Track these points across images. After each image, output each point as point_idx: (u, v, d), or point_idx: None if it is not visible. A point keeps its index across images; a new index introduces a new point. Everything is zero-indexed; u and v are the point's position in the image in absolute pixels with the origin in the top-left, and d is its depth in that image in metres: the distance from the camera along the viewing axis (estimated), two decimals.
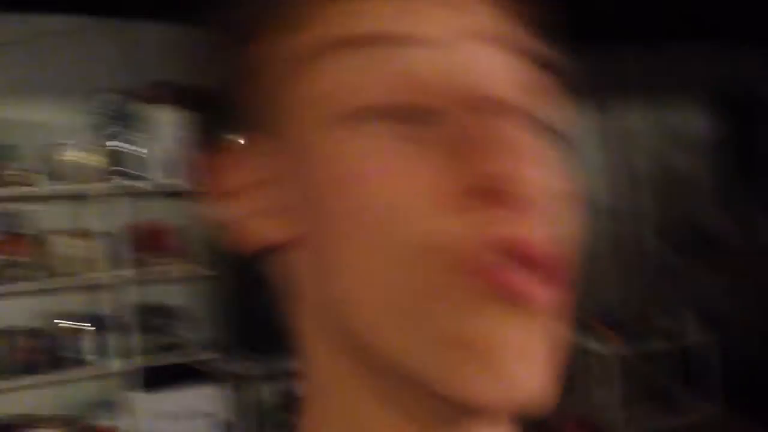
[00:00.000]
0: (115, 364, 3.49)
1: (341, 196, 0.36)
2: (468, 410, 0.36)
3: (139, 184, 3.65)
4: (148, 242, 3.73)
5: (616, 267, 5.40)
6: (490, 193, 0.34)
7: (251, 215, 0.40)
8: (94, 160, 3.58)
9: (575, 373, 5.25)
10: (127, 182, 3.58)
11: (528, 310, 0.34)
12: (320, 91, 0.36)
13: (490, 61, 0.37)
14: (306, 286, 0.40)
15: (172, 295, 3.88)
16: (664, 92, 5.67)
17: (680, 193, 5.82)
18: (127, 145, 3.63)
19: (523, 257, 0.34)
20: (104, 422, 3.48)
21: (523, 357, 0.35)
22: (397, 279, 0.35)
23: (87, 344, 3.44)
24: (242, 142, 0.41)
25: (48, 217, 3.61)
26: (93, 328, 3.46)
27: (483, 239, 0.34)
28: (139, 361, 3.54)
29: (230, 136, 0.41)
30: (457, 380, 0.35)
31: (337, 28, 0.36)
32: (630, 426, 4.82)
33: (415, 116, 0.35)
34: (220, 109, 0.41)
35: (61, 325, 3.45)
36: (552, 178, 0.36)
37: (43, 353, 3.36)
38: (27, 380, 3.32)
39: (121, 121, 3.61)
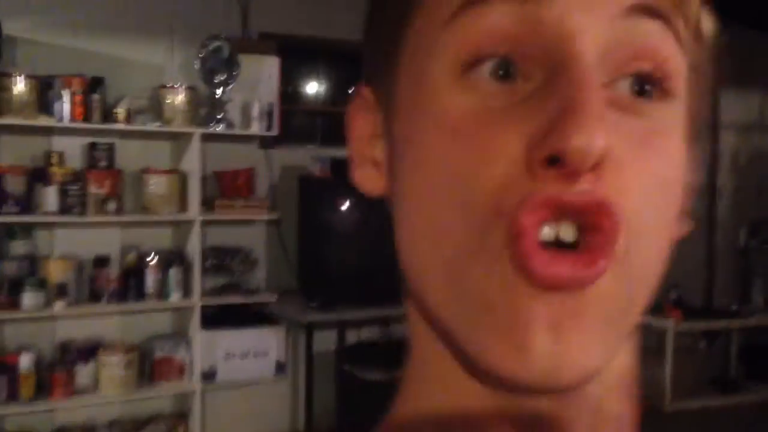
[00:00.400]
0: (184, 300, 3.68)
1: (425, 149, 0.36)
2: (498, 381, 0.35)
3: (234, 131, 3.81)
4: (233, 186, 3.90)
5: (683, 243, 5.32)
6: (565, 166, 0.32)
7: (360, 164, 0.43)
8: (196, 103, 3.73)
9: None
10: (222, 128, 3.74)
11: (567, 290, 0.33)
12: (429, 47, 0.36)
13: (613, 28, 0.34)
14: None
15: (245, 238, 4.06)
16: (759, 76, 5.49)
17: (762, 175, 5.67)
18: (228, 93, 3.78)
19: (583, 224, 0.33)
20: (167, 354, 3.69)
21: (555, 333, 0.33)
22: (449, 233, 0.35)
23: (161, 279, 3.63)
24: (370, 93, 0.43)
25: (146, 154, 3.80)
26: (169, 265, 3.66)
27: (542, 203, 0.32)
28: (205, 299, 3.72)
29: (365, 87, 0.43)
30: (480, 345, 0.35)
31: None
32: (682, 403, 4.80)
33: (517, 73, 0.34)
34: (362, 59, 0.43)
35: (139, 258, 3.66)
36: (643, 160, 0.34)
37: (122, 283, 3.58)
38: (104, 307, 3.55)
39: (226, 68, 3.74)
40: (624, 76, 0.34)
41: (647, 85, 0.35)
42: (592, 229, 0.33)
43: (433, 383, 0.41)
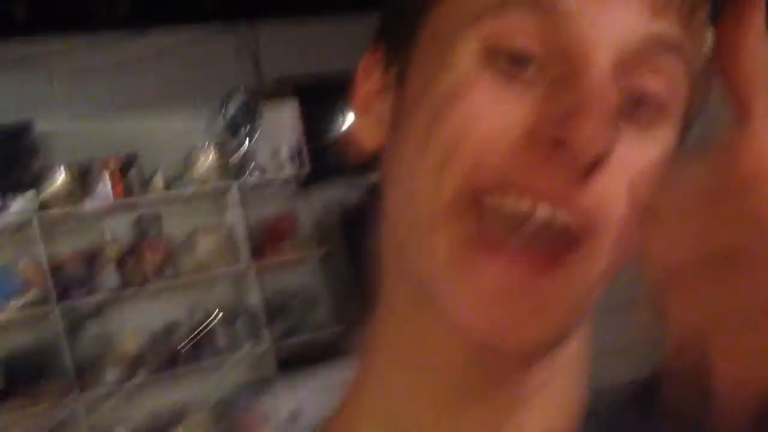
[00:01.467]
0: (255, 348, 3.76)
1: (436, 112, 0.38)
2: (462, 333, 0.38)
3: (265, 178, 3.91)
4: (278, 231, 3.98)
5: None
6: (570, 151, 0.34)
7: (363, 116, 0.45)
8: (227, 159, 3.84)
9: None
10: (255, 176, 3.85)
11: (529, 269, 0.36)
12: (455, 22, 0.39)
13: (617, 32, 0.37)
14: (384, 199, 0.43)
15: (301, 279, 4.12)
16: None
17: None
18: (255, 142, 3.88)
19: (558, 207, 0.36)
20: (248, 408, 3.71)
21: (507, 300, 0.36)
22: (438, 191, 0.38)
23: (230, 333, 3.72)
24: (384, 51, 0.44)
25: (190, 217, 3.88)
26: (235, 317, 3.74)
27: (528, 182, 0.36)
28: (275, 346, 3.79)
29: (380, 45, 0.45)
30: (444, 296, 0.38)
31: None
32: None
33: (527, 65, 0.37)
34: (380, 18, 0.45)
35: (206, 317, 3.75)
36: (629, 162, 0.37)
37: (195, 345, 3.66)
38: (173, 372, 3.64)
39: (249, 119, 3.85)
40: (628, 89, 0.37)
41: (646, 101, 0.38)
42: (581, 230, 0.36)
43: (408, 341, 0.43)
